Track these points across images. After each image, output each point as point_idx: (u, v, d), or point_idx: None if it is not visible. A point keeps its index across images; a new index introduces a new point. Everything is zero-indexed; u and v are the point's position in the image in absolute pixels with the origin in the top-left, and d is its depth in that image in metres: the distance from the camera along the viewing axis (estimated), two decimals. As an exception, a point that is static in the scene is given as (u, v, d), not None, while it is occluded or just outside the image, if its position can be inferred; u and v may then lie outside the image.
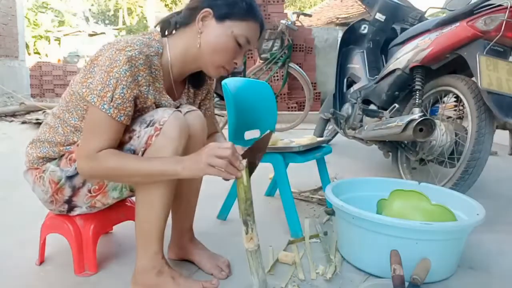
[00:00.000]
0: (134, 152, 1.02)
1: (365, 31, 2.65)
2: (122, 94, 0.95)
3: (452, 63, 1.98)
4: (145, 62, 0.99)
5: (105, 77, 0.95)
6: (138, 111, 1.04)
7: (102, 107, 0.95)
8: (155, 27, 1.11)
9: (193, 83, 1.22)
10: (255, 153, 1.02)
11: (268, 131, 1.06)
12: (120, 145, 1.02)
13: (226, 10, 1.03)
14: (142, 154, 1.01)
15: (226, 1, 1.03)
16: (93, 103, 0.96)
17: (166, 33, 1.10)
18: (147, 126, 1.01)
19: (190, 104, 1.19)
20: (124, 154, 1.00)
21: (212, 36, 1.04)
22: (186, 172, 0.95)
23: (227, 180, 0.98)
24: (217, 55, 1.06)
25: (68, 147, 1.10)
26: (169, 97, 1.10)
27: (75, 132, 1.09)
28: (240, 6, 1.04)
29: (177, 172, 0.96)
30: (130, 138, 1.02)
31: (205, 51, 1.05)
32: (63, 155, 1.10)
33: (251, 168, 1.01)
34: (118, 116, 0.96)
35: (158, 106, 1.08)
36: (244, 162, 0.96)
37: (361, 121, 2.47)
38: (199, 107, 1.25)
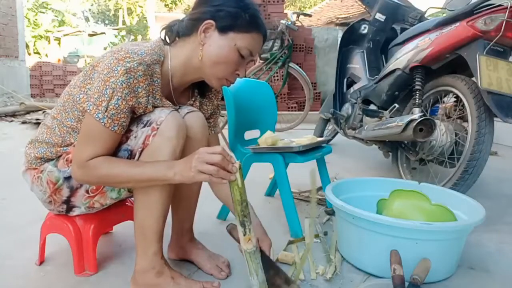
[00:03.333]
0: (131, 152, 1.01)
1: (365, 31, 2.65)
2: (117, 105, 0.94)
3: (452, 63, 1.98)
4: (145, 73, 0.98)
5: (102, 86, 0.94)
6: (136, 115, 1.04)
7: (97, 116, 0.94)
8: (160, 32, 1.10)
9: (199, 91, 1.21)
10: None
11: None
12: (117, 145, 1.02)
13: (229, 22, 1.02)
14: (140, 154, 1.00)
15: (229, 13, 1.01)
16: (88, 110, 0.96)
17: (168, 41, 1.09)
18: (144, 126, 1.00)
19: None
20: (116, 161, 0.99)
21: (214, 48, 1.03)
22: (178, 177, 0.94)
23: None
24: (219, 67, 1.05)
25: (65, 148, 1.10)
26: (169, 103, 1.09)
27: (72, 133, 1.08)
28: (244, 18, 1.02)
29: (169, 178, 0.95)
30: (127, 138, 1.02)
31: (207, 63, 1.04)
32: (60, 155, 1.10)
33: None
34: (112, 126, 0.96)
35: None
36: (237, 164, 0.94)
37: (361, 121, 2.47)
38: None
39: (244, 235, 0.98)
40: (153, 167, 0.97)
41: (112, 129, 0.96)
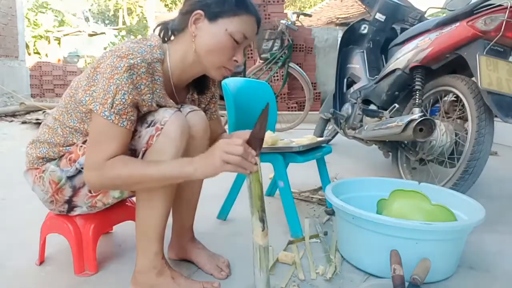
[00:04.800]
0: (135, 151, 1.02)
1: (365, 31, 2.65)
2: (123, 100, 0.94)
3: (452, 63, 1.98)
4: (148, 70, 0.98)
5: (106, 84, 0.94)
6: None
7: (103, 114, 0.94)
8: (153, 31, 1.10)
9: (197, 88, 1.22)
10: (259, 130, 1.00)
11: (267, 103, 1.02)
12: None
13: (217, 9, 1.01)
14: (143, 154, 1.00)
15: (216, 0, 1.02)
16: (95, 110, 0.95)
17: (166, 39, 1.09)
18: (148, 126, 1.01)
19: None
20: (133, 161, 0.98)
21: (206, 37, 1.03)
22: (199, 172, 0.94)
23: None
24: (215, 56, 1.04)
25: (67, 147, 1.10)
26: (172, 101, 1.09)
27: (75, 134, 1.08)
28: (230, 2, 1.02)
29: (190, 173, 0.95)
30: (132, 138, 1.02)
31: (201, 54, 1.04)
32: (63, 155, 1.10)
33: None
34: (120, 122, 0.95)
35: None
36: (257, 158, 0.95)
37: (361, 121, 2.47)
38: (204, 112, 1.24)
39: (263, 230, 0.98)
40: (172, 164, 0.96)
41: (121, 125, 0.96)
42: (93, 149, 0.98)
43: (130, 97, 0.95)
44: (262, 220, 0.98)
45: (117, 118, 0.95)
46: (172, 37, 1.10)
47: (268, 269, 1.01)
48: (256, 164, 0.96)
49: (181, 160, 0.98)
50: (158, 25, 1.10)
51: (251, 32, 1.06)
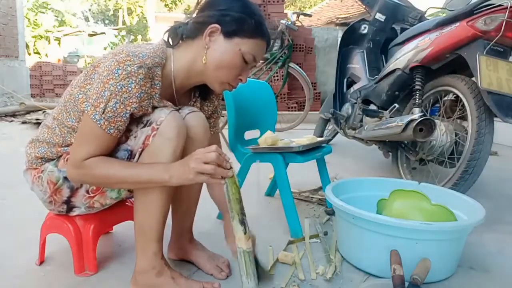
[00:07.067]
0: (131, 152, 1.01)
1: (365, 31, 2.65)
2: (114, 108, 0.94)
3: (452, 63, 1.98)
4: (146, 76, 0.97)
5: (101, 87, 0.94)
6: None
7: (94, 117, 0.94)
8: (164, 34, 1.10)
9: (200, 95, 1.22)
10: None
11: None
12: (117, 145, 1.02)
13: (235, 27, 1.02)
14: (139, 155, 1.00)
15: (235, 18, 1.02)
16: (86, 111, 0.96)
17: (172, 43, 1.09)
18: (144, 126, 1.00)
19: None
20: (111, 162, 0.99)
21: (219, 52, 1.03)
22: (175, 180, 0.95)
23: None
24: (223, 71, 1.05)
25: (65, 148, 1.10)
26: (171, 104, 1.08)
27: (72, 133, 1.08)
28: (249, 24, 1.02)
29: (165, 180, 0.96)
30: (127, 138, 1.02)
31: (210, 67, 1.05)
32: (61, 155, 1.10)
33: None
34: (108, 128, 0.95)
35: None
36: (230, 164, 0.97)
37: (361, 121, 2.47)
38: None
39: (245, 233, 0.98)
40: (149, 169, 0.97)
41: (108, 132, 0.96)
42: (76, 146, 0.99)
43: (122, 107, 0.95)
44: (243, 223, 0.99)
45: (106, 124, 0.95)
46: (180, 42, 1.09)
47: (255, 275, 1.01)
48: (231, 168, 0.97)
49: (159, 165, 0.98)
50: (167, 30, 1.09)
51: (261, 56, 1.09)
